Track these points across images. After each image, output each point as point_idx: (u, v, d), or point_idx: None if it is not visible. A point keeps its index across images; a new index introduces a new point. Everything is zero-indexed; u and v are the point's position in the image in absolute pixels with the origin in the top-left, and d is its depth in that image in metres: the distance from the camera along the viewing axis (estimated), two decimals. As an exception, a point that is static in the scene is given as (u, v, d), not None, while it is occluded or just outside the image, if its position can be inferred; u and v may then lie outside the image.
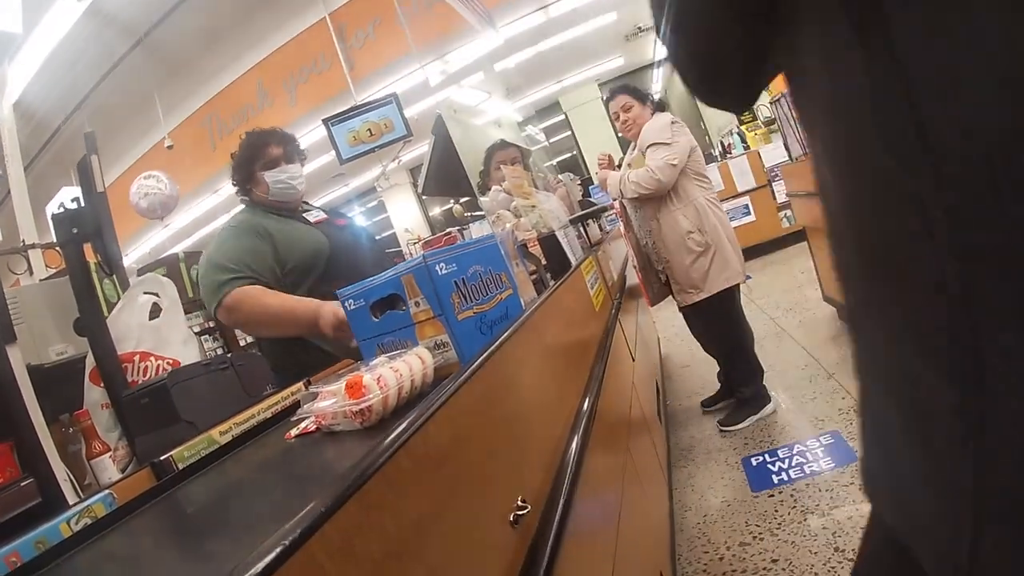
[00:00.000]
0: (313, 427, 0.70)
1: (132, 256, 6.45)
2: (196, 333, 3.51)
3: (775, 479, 1.88)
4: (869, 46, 0.30)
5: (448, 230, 1.54)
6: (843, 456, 1.85)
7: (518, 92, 6.92)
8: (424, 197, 9.07)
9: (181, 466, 0.78)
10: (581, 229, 2.13)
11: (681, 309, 2.47)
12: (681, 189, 2.26)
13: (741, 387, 2.39)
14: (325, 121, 3.27)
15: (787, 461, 1.95)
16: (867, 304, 0.38)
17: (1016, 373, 0.28)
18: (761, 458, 2.03)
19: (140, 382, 1.21)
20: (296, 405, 0.88)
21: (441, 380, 0.65)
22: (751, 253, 5.28)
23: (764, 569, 1.49)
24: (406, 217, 9.39)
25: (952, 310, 0.29)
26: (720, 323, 2.38)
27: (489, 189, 2.22)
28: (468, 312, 0.81)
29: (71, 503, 0.74)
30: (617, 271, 2.31)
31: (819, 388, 2.39)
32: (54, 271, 2.28)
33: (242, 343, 4.21)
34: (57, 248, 1.35)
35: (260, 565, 0.26)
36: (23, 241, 2.57)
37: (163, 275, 1.44)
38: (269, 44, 4.95)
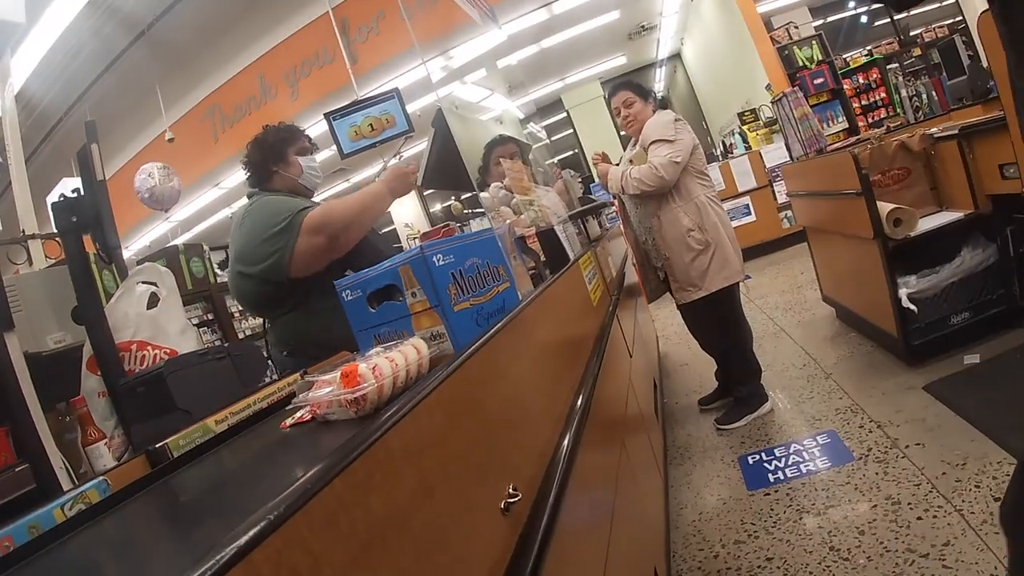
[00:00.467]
0: (308, 416, 0.70)
1: (132, 248, 6.45)
2: (195, 325, 3.51)
3: (771, 478, 1.88)
4: None
5: (446, 222, 1.54)
6: (839, 456, 1.85)
7: (520, 89, 6.90)
8: (425, 192, 9.07)
9: (176, 454, 0.78)
10: (581, 225, 2.13)
11: (679, 307, 2.46)
12: (683, 186, 2.26)
13: (739, 386, 2.39)
14: (327, 115, 3.26)
15: (783, 460, 1.95)
16: None
17: None
18: (757, 457, 2.04)
19: (137, 371, 1.21)
20: (292, 395, 0.89)
21: (436, 370, 0.65)
22: (751, 253, 5.28)
23: (759, 567, 1.50)
24: (407, 212, 9.38)
25: None
26: (719, 322, 2.38)
27: (488, 186, 2.22)
28: (464, 304, 0.81)
29: (66, 490, 0.74)
30: (616, 268, 2.31)
31: (816, 388, 2.39)
32: (53, 261, 2.28)
33: (240, 336, 4.22)
34: (57, 239, 1.34)
35: (243, 539, 0.26)
36: (23, 231, 2.58)
37: (163, 266, 1.44)
38: (272, 38, 4.94)
